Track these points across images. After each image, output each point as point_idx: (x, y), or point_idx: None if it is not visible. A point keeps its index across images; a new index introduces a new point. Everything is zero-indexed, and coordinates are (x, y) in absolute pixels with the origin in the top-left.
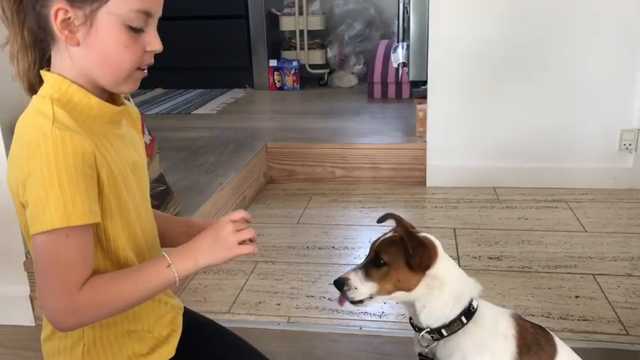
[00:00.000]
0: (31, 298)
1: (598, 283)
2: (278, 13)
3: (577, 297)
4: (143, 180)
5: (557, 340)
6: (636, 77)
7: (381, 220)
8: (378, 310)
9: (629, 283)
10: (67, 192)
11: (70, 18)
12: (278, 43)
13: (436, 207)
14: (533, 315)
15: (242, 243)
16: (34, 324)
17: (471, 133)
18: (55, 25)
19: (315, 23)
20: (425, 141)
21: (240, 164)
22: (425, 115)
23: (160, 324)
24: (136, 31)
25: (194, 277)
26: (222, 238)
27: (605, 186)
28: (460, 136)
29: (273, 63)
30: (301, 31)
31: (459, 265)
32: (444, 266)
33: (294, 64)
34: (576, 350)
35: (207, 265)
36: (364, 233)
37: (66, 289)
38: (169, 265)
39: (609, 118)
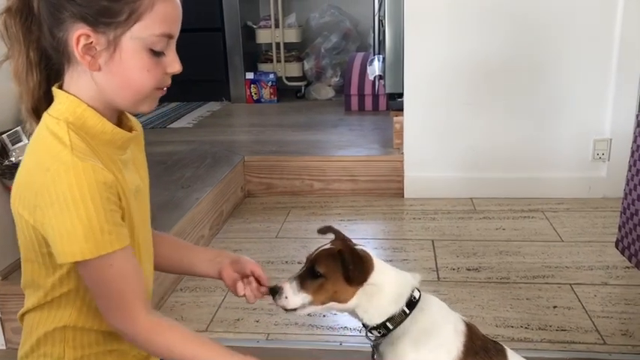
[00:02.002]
0: (1, 321)
1: (575, 293)
2: (254, 26)
3: (555, 307)
4: (144, 206)
5: (510, 352)
6: (608, 87)
7: (321, 232)
8: (359, 325)
9: (606, 292)
10: (94, 222)
11: (92, 43)
12: (254, 56)
13: (414, 218)
14: (512, 326)
15: None
16: (5, 347)
17: (448, 145)
18: (76, 51)
19: (292, 36)
20: (402, 153)
21: (217, 178)
22: (402, 127)
23: None
24: (157, 54)
25: (171, 295)
26: None
27: (580, 195)
28: (437, 147)
29: (249, 75)
30: (277, 44)
31: (438, 278)
32: (380, 274)
33: (271, 76)
34: None
35: None
36: None
37: (127, 315)
38: None
39: (582, 128)
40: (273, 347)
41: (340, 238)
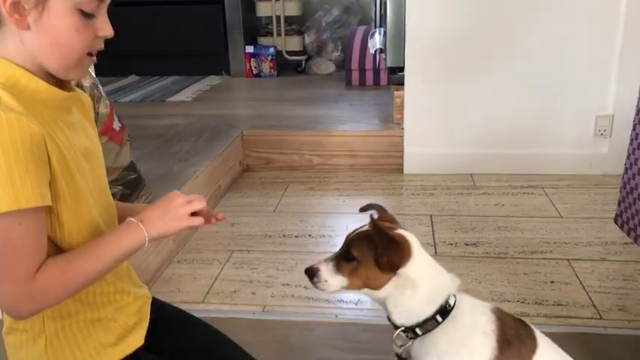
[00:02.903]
0: None
1: (573, 268)
2: None
3: (552, 282)
4: (97, 167)
5: (537, 333)
6: (611, 63)
7: (363, 210)
8: (354, 298)
9: (603, 268)
10: (15, 174)
11: (20, 1)
12: (254, 29)
13: (413, 194)
14: (509, 301)
15: (193, 215)
16: (1, 316)
17: (448, 120)
18: (4, 8)
19: (292, 9)
20: (402, 128)
21: (215, 152)
22: (402, 102)
23: (125, 313)
24: (87, 16)
25: (168, 266)
26: (173, 209)
27: (581, 172)
28: (437, 122)
29: (249, 49)
30: (278, 17)
31: (435, 252)
32: (418, 266)
33: (271, 50)
34: (551, 335)
35: (157, 237)
36: (341, 221)
37: (20, 277)
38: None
39: (584, 104)
40: (270, 319)
41: (384, 218)
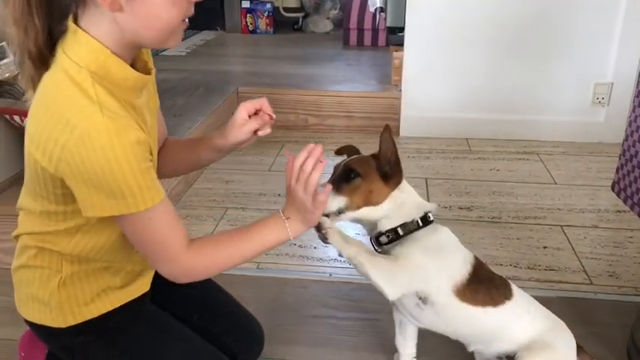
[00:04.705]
0: None
1: (565, 234)
2: None
3: (545, 247)
4: (156, 144)
5: (515, 287)
6: (612, 31)
7: (339, 152)
8: None
9: (595, 235)
10: (130, 181)
11: None
12: None
13: (409, 157)
14: (501, 265)
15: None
16: None
17: (446, 84)
18: None
19: None
20: (400, 90)
21: (210, 109)
22: (401, 63)
23: (132, 261)
24: None
25: None
26: (307, 212)
27: (577, 139)
28: (435, 86)
29: (245, 4)
30: None
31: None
32: (406, 185)
33: (268, 6)
34: (542, 299)
35: (300, 234)
36: None
37: (169, 258)
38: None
39: (584, 71)
40: (264, 276)
41: (359, 154)
